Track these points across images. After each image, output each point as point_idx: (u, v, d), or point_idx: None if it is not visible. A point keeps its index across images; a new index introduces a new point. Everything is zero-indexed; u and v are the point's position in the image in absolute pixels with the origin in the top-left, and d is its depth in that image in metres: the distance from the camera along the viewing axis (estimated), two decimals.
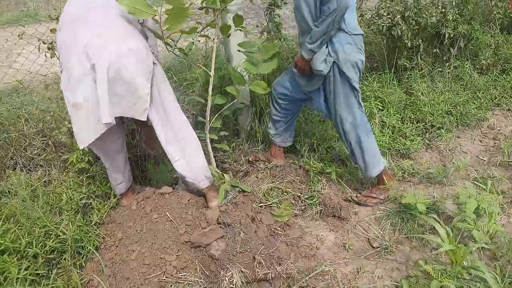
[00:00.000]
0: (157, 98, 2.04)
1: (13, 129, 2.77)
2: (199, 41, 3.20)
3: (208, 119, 2.47)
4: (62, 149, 2.74)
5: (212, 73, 2.40)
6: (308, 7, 2.20)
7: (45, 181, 2.60)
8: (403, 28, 3.25)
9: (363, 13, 3.46)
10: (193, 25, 2.42)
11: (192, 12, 2.00)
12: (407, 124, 3.18)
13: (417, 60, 3.56)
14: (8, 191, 2.49)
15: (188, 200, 2.26)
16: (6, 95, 3.14)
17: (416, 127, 3.18)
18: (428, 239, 2.20)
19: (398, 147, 2.97)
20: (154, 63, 1.99)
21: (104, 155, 2.22)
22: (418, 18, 3.33)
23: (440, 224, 2.16)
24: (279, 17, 3.20)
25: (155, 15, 1.95)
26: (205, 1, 2.22)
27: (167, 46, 2.22)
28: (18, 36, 2.30)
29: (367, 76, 3.44)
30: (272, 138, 2.82)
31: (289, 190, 2.60)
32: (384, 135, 2.93)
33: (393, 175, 2.72)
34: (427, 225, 2.34)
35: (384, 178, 2.55)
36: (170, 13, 1.95)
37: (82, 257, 2.11)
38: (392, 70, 3.45)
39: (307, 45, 2.23)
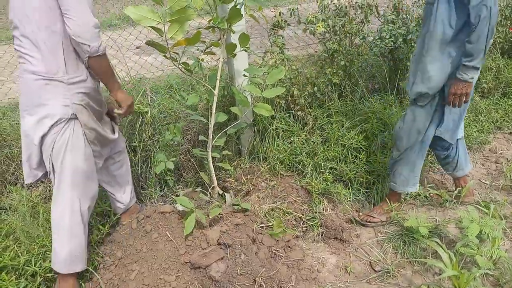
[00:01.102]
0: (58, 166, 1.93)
1: (15, 144, 2.78)
2: (203, 59, 3.22)
3: (211, 137, 2.48)
4: None
5: (216, 92, 2.42)
6: (447, 21, 2.10)
7: (45, 197, 2.59)
8: (405, 51, 3.28)
9: (366, 36, 3.50)
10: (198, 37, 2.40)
11: (194, 13, 2.01)
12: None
13: None
14: (9, 207, 2.48)
15: None
16: (10, 111, 3.16)
17: None
18: (430, 263, 2.18)
19: None
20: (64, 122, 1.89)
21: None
22: None
23: (442, 248, 2.14)
24: (282, 38, 3.23)
25: (159, 22, 1.96)
26: (212, 21, 2.24)
27: (173, 61, 2.24)
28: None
29: (368, 97, 3.46)
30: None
31: (291, 211, 2.58)
32: (386, 157, 2.92)
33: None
34: (430, 249, 2.32)
35: (391, 199, 2.56)
36: (173, 19, 1.97)
37: (81, 277, 2.09)
38: (394, 92, 3.47)
39: (467, 64, 2.06)
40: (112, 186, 2.36)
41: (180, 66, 2.25)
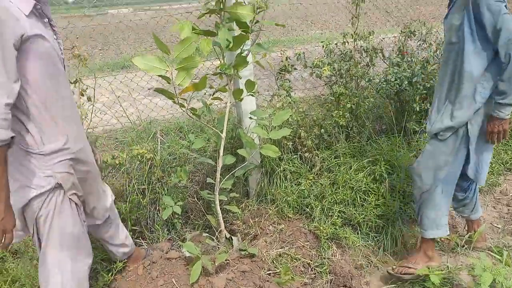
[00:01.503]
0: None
1: None
2: (211, 104, 3.29)
3: (218, 179, 2.49)
4: None
5: (223, 135, 2.45)
6: (475, 60, 2.12)
7: (15, 252, 2.56)
8: (411, 93, 3.31)
9: (371, 78, 3.55)
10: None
11: (200, 59, 2.06)
12: None
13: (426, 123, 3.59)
14: (15, 251, 2.48)
15: None
16: None
17: None
18: None
19: (410, 212, 2.92)
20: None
21: None
22: (426, 83, 3.40)
23: None
24: (289, 81, 3.30)
25: (168, 71, 2.02)
26: (219, 67, 2.30)
27: (181, 107, 2.28)
28: None
29: (376, 138, 3.47)
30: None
31: (299, 256, 2.54)
32: (395, 200, 2.89)
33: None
34: None
35: (424, 248, 2.48)
36: (180, 66, 2.03)
37: None
38: (402, 133, 3.48)
39: (502, 102, 2.07)
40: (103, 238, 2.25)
41: (188, 111, 2.30)
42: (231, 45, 2.15)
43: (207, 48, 2.12)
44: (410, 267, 2.42)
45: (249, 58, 2.45)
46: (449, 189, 2.39)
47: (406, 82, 3.34)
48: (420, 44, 3.73)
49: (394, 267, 2.47)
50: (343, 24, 11.63)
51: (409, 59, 3.51)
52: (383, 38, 3.97)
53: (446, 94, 2.27)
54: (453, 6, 2.20)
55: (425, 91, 3.42)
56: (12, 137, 1.51)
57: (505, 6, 2.00)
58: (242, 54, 2.28)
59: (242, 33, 2.26)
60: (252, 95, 2.57)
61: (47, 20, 1.67)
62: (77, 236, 1.84)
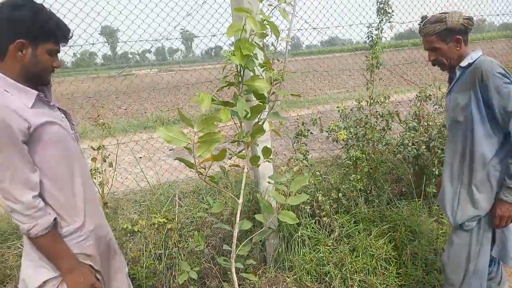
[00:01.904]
0: None
1: None
2: (229, 170, 3.34)
3: (235, 246, 2.46)
4: None
5: (240, 201, 2.46)
6: (486, 141, 2.06)
7: None
8: (429, 158, 3.30)
9: (388, 142, 3.57)
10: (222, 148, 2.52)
11: (223, 135, 2.11)
12: (440, 256, 3.04)
13: None
14: None
15: None
16: None
17: None
18: None
19: (433, 281, 2.80)
20: None
21: None
22: (444, 147, 3.39)
23: None
24: (306, 145, 3.34)
25: (189, 143, 2.08)
26: (238, 135, 2.36)
27: (199, 175, 2.33)
28: None
29: (395, 202, 3.42)
30: None
31: None
32: (417, 269, 2.79)
33: None
34: None
35: None
36: (202, 140, 2.09)
37: None
38: (421, 197, 3.42)
39: (509, 182, 1.99)
40: None
41: (206, 179, 2.34)
42: (248, 115, 2.23)
43: (225, 118, 2.20)
44: None
45: (266, 126, 2.52)
46: (484, 279, 2.25)
47: (424, 147, 3.34)
48: (436, 108, 3.76)
49: None
50: (360, 83, 11.88)
51: (425, 123, 3.53)
52: (399, 103, 4.03)
53: (459, 176, 2.19)
54: (456, 85, 2.15)
55: (443, 155, 3.40)
56: (54, 219, 1.58)
57: None
58: (259, 123, 2.35)
59: (259, 103, 2.34)
60: (268, 161, 2.61)
61: (52, 103, 1.66)
62: None
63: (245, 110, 2.24)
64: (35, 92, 1.56)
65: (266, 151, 2.57)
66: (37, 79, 1.60)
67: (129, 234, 2.91)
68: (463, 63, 2.09)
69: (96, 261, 1.76)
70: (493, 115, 2.01)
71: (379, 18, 3.51)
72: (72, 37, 1.67)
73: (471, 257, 2.18)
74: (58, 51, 1.64)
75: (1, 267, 2.80)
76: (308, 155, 3.32)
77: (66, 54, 4.35)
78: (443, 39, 2.09)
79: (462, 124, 2.11)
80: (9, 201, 1.50)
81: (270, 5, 2.24)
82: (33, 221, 1.51)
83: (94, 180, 2.50)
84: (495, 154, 2.06)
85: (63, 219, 1.64)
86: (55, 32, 1.57)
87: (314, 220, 3.18)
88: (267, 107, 2.43)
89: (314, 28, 4.25)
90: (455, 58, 2.12)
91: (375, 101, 3.57)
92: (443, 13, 2.10)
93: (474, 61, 2.07)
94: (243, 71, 2.31)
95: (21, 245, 2.91)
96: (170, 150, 5.96)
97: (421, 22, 2.18)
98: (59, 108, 1.73)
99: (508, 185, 2.00)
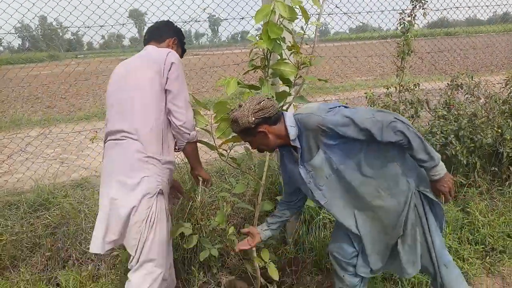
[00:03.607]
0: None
1: (72, 222, 2.94)
2: (252, 152, 3.35)
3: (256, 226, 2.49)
4: None
5: (263, 182, 2.48)
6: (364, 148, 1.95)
7: (93, 276, 2.66)
8: (457, 147, 3.23)
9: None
10: None
11: None
12: (464, 245, 3.00)
13: (474, 177, 3.46)
14: (58, 284, 2.57)
15: None
16: (72, 190, 3.39)
17: (474, 249, 2.98)
18: None
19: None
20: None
21: None
22: (473, 137, 3.31)
23: None
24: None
25: (207, 124, 2.12)
26: None
27: (221, 156, 2.36)
28: (90, 140, 2.57)
29: None
30: None
31: None
32: None
33: None
34: None
35: None
36: (219, 120, 2.11)
37: None
38: None
39: (431, 162, 1.90)
40: None
41: (228, 160, 2.36)
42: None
43: (231, 89, 2.19)
44: None
45: (291, 110, 2.52)
46: None
47: (452, 136, 3.26)
48: (467, 97, 3.65)
49: None
50: (388, 71, 11.63)
51: (455, 112, 3.44)
52: (430, 91, 3.93)
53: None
54: (303, 154, 2.01)
55: (472, 144, 3.33)
56: None
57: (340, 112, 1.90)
58: (284, 107, 2.34)
59: (285, 90, 2.34)
60: None
61: None
62: (168, 245, 2.18)
63: (270, 94, 2.24)
64: None
65: None
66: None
67: None
68: (292, 136, 1.97)
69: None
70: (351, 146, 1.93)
71: (412, 4, 3.42)
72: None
73: None
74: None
75: (31, 235, 2.92)
76: None
77: (96, 34, 4.42)
78: (249, 134, 1.99)
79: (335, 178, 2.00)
80: (186, 116, 2.15)
81: None
82: (194, 132, 2.23)
83: None
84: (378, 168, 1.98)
85: (166, 150, 2.20)
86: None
87: None
88: (292, 91, 2.42)
89: (344, 13, 4.17)
90: (274, 140, 2.00)
91: (405, 88, 3.50)
92: (236, 111, 1.96)
93: (297, 124, 1.97)
94: (270, 55, 2.30)
95: (49, 215, 3.02)
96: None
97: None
98: None
99: (427, 169, 1.92)
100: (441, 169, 1.93)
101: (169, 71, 2.12)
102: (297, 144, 1.98)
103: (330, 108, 1.94)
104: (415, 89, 3.49)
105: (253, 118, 1.91)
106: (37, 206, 3.14)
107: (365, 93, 3.55)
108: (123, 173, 2.03)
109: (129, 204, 1.98)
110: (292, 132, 1.97)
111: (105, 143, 2.17)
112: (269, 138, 1.98)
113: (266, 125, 1.96)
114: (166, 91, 2.14)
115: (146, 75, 2.11)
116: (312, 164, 1.99)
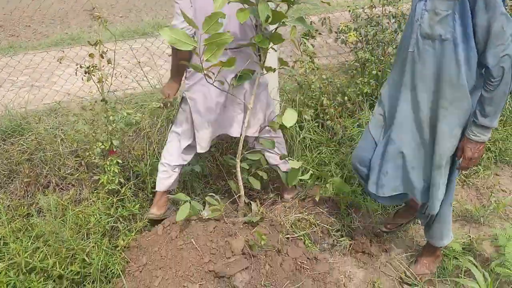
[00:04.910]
0: None
1: (49, 148, 2.85)
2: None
3: (241, 147, 2.46)
4: (94, 169, 2.79)
5: (250, 106, 2.40)
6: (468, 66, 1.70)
7: (75, 201, 2.64)
8: None
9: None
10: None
11: (231, 36, 1.97)
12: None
13: None
14: (39, 210, 2.54)
15: (214, 228, 2.23)
16: (45, 115, 3.26)
17: None
18: (463, 283, 2.08)
19: None
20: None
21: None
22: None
23: (476, 267, 2.04)
24: (313, 46, 3.20)
25: (195, 47, 1.96)
26: (255, 39, 2.19)
27: (207, 78, 2.23)
28: (58, 60, 2.40)
29: None
30: None
31: (318, 222, 2.53)
32: None
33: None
34: (463, 267, 2.21)
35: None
36: (208, 42, 1.96)
37: (107, 281, 2.11)
38: None
39: (488, 125, 1.70)
40: None
41: (215, 83, 2.24)
42: (270, 19, 2.05)
43: (243, 19, 2.01)
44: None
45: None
46: None
47: None
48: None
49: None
50: None
51: None
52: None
53: (428, 112, 1.86)
54: None
55: None
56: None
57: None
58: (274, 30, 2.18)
59: (281, 12, 2.15)
60: (284, 68, 2.49)
61: None
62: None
63: (266, 13, 2.05)
64: None
65: (283, 62, 2.45)
66: None
67: (132, 132, 2.91)
68: None
69: None
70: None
71: None
72: None
73: None
74: None
75: (7, 162, 2.84)
76: (315, 56, 3.20)
77: None
78: None
79: (438, 42, 1.70)
80: None
81: None
82: None
83: (92, 76, 2.43)
84: (475, 84, 1.76)
85: None
86: None
87: (317, 124, 3.16)
88: (291, 11, 2.24)
89: None
90: None
91: (388, 1, 3.36)
92: None
93: None
94: None
95: (24, 142, 2.92)
96: (169, 56, 5.76)
97: None
98: None
99: (482, 124, 1.71)
100: (486, 135, 1.75)
101: None
102: None
103: None
104: (399, 2, 3.35)
105: None
106: (10, 132, 3.03)
107: (348, 6, 3.40)
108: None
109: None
110: None
111: None
112: None
113: None
114: None
115: None
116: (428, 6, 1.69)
